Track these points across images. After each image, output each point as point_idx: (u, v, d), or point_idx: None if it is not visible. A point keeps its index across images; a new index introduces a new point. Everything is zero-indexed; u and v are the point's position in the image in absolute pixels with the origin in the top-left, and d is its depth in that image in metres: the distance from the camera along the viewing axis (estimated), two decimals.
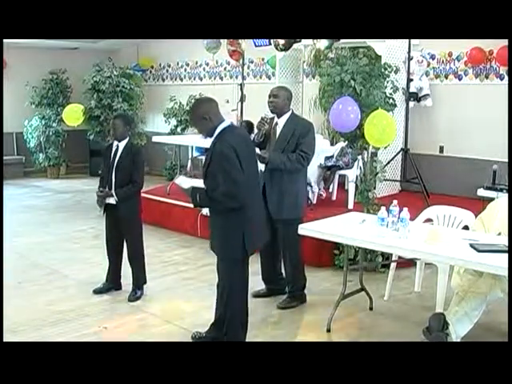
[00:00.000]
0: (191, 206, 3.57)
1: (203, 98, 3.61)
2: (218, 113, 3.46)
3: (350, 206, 6.05)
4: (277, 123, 4.44)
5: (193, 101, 9.13)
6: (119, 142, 4.53)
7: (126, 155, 4.51)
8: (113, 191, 4.48)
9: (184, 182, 3.60)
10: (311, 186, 6.14)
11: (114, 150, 4.54)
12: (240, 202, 3.33)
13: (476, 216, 4.33)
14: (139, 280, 4.68)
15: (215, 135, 3.44)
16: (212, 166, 3.39)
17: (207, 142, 3.58)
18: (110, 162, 4.52)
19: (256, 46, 7.43)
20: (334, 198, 6.53)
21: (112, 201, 4.52)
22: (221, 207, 3.38)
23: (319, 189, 6.43)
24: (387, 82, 5.78)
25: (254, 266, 4.07)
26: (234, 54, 7.70)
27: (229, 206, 3.33)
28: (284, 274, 4.67)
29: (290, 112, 4.44)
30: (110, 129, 4.56)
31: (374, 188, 5.72)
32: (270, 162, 4.29)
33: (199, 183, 3.48)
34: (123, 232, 4.62)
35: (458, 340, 3.62)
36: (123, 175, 4.49)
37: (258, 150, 4.36)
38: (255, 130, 4.59)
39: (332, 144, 7.10)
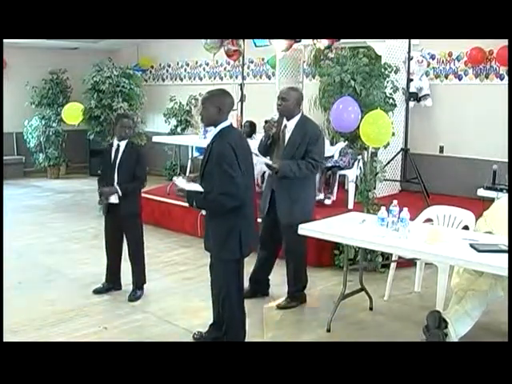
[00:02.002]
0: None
1: (226, 91, 3.55)
2: (227, 112, 3.47)
3: (350, 206, 6.05)
4: (286, 126, 4.35)
5: (193, 101, 9.15)
6: (120, 141, 4.53)
7: (128, 154, 4.52)
8: (117, 187, 4.47)
9: (182, 183, 3.61)
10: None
11: (114, 149, 4.54)
12: (238, 201, 3.32)
13: (476, 216, 4.33)
14: (139, 280, 4.68)
15: (214, 134, 3.44)
16: (209, 165, 3.38)
17: (207, 142, 3.57)
18: (112, 162, 4.52)
19: (256, 46, 7.43)
20: (334, 197, 6.52)
21: (114, 200, 4.51)
22: (219, 209, 3.38)
23: (322, 192, 6.41)
24: (387, 82, 5.78)
25: (247, 267, 4.03)
26: (235, 53, 7.69)
27: (227, 205, 3.32)
28: (286, 276, 4.63)
29: (299, 114, 4.34)
30: (111, 128, 4.55)
31: (374, 188, 5.72)
32: (281, 171, 4.23)
33: (197, 187, 3.48)
34: (124, 231, 4.63)
35: (457, 339, 3.62)
36: (126, 173, 4.50)
37: (267, 160, 4.32)
38: (257, 131, 4.56)
39: (332, 144, 7.10)
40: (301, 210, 4.32)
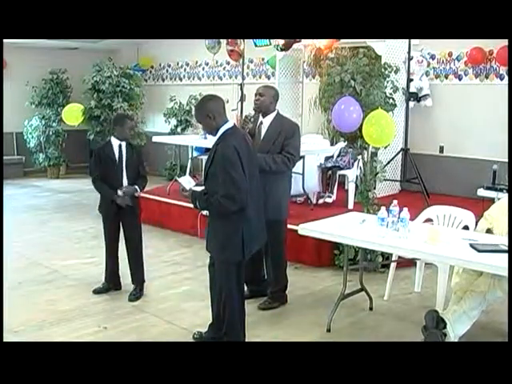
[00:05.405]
0: (191, 206, 3.59)
1: (209, 96, 3.55)
2: (222, 113, 3.44)
3: (350, 206, 6.06)
4: (262, 122, 4.40)
5: (193, 101, 9.16)
6: (121, 141, 4.53)
7: (131, 154, 4.57)
8: (135, 187, 4.55)
9: (187, 182, 3.61)
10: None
11: (117, 149, 4.52)
12: (240, 204, 3.32)
13: (476, 216, 4.33)
14: (140, 279, 4.69)
15: (218, 136, 3.44)
16: (213, 167, 3.38)
17: (207, 142, 3.57)
18: (117, 162, 4.51)
19: (256, 46, 7.44)
20: (334, 197, 6.53)
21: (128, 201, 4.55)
22: (221, 211, 3.38)
23: (322, 192, 6.41)
24: (387, 82, 5.78)
25: None
26: (233, 53, 7.71)
27: (229, 208, 3.32)
28: (266, 275, 4.63)
29: (275, 112, 4.39)
30: (111, 128, 4.55)
31: (374, 188, 5.72)
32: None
33: (200, 188, 3.49)
34: (124, 231, 4.64)
35: (456, 339, 3.62)
36: (133, 173, 4.57)
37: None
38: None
39: (332, 144, 7.10)
40: (275, 205, 4.26)
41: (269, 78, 8.89)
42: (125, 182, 4.53)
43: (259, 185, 3.62)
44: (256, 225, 3.52)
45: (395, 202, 3.91)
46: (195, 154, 8.05)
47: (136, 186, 4.56)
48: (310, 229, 4.09)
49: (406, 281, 5.05)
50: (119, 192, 4.48)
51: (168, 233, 6.68)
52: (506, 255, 3.28)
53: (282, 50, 7.17)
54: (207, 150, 6.10)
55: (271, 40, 7.02)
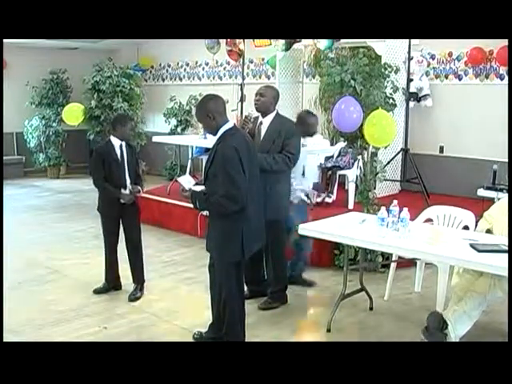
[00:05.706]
0: (191, 206, 3.59)
1: (210, 96, 3.54)
2: (222, 112, 3.44)
3: (350, 206, 6.05)
4: (261, 122, 4.42)
5: (193, 101, 9.16)
6: (122, 141, 4.56)
7: (131, 154, 4.62)
8: (138, 187, 4.61)
9: (187, 182, 3.62)
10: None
11: (118, 149, 4.53)
12: (240, 204, 3.32)
13: (476, 216, 4.33)
14: (140, 279, 4.69)
15: (218, 136, 3.44)
16: (214, 167, 3.38)
17: (207, 142, 3.57)
18: (120, 161, 4.53)
19: (256, 46, 7.43)
20: (334, 197, 6.52)
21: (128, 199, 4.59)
22: (221, 210, 3.38)
23: (322, 192, 6.40)
24: (387, 82, 5.78)
25: None
26: (231, 53, 7.71)
27: (228, 208, 3.32)
28: (266, 275, 4.63)
29: (275, 112, 4.42)
30: (111, 128, 4.60)
31: (374, 188, 5.71)
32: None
33: (200, 188, 3.50)
34: (125, 230, 4.65)
35: (457, 340, 3.62)
36: (133, 172, 4.62)
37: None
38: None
39: (332, 144, 7.10)
40: (274, 205, 4.25)
41: (269, 78, 8.90)
42: (127, 181, 4.57)
43: (260, 185, 3.63)
44: (256, 225, 3.52)
45: (395, 201, 3.91)
46: (195, 154, 8.05)
47: (139, 187, 4.61)
48: (310, 229, 4.09)
49: (406, 281, 5.05)
50: (123, 190, 4.54)
51: (168, 233, 6.68)
52: (505, 255, 3.28)
53: (282, 50, 7.16)
54: (207, 149, 6.10)
55: (272, 40, 7.02)
